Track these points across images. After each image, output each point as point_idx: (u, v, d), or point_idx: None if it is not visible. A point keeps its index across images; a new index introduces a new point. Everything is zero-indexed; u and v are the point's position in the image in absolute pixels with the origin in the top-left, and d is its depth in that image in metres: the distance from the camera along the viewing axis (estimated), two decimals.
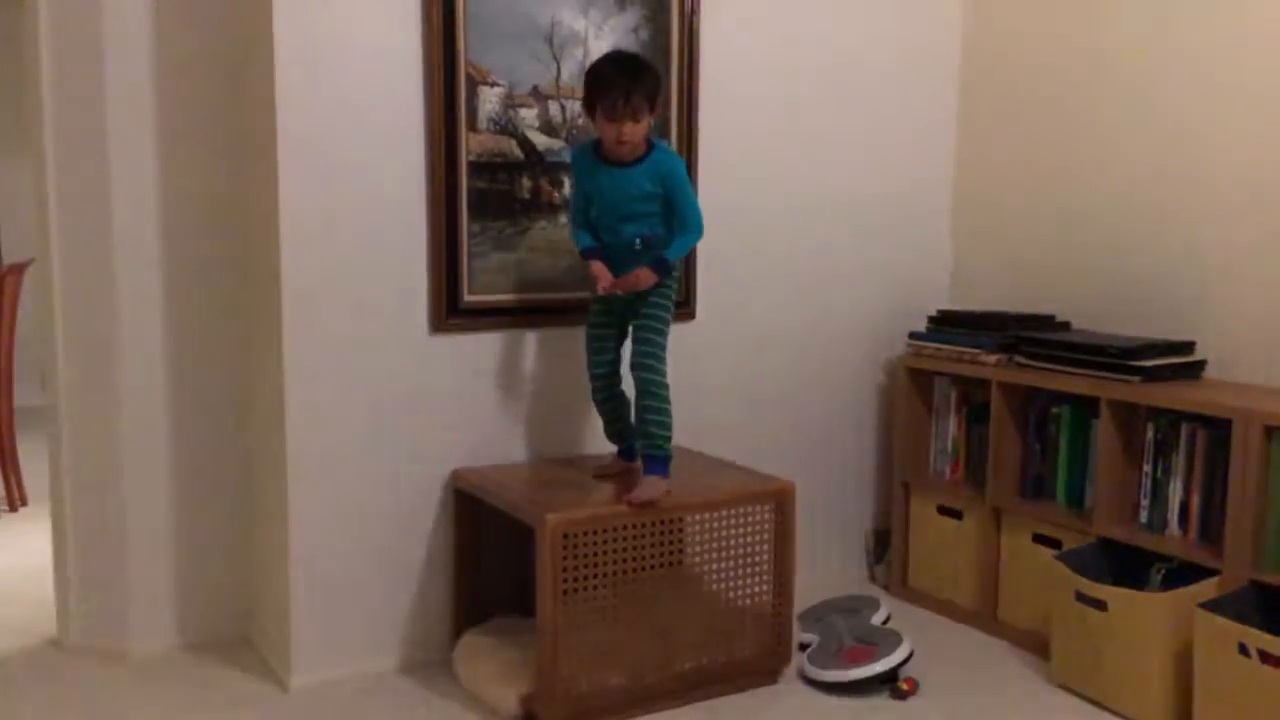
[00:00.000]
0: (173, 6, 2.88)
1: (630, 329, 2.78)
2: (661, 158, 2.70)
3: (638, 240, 2.69)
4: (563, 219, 3.00)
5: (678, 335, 3.02)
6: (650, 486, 2.67)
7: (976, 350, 3.23)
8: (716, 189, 3.21)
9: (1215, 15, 2.95)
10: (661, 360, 2.72)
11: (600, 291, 2.71)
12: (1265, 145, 2.85)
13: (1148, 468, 2.87)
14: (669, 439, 2.72)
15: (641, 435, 2.75)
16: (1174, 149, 3.05)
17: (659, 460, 2.72)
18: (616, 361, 2.84)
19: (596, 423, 3.00)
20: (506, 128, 2.92)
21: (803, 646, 2.97)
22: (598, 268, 2.71)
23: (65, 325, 2.97)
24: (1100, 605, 2.71)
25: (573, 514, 2.57)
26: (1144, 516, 2.88)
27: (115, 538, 3.00)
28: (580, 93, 2.98)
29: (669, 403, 2.72)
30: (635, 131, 2.62)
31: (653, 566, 2.67)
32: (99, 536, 3.01)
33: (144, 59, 2.88)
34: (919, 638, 3.00)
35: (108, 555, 3.01)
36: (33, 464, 4.29)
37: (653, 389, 2.71)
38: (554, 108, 2.97)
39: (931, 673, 2.89)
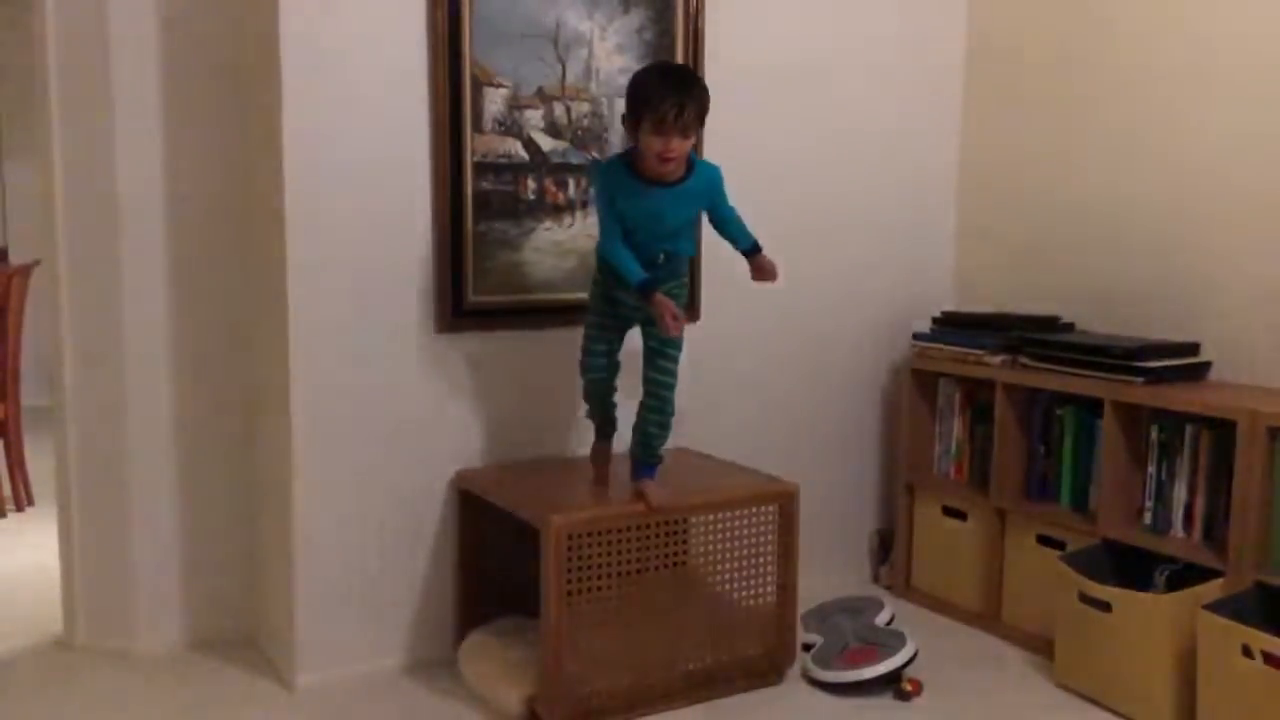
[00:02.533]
0: (178, 9, 2.89)
1: (646, 337, 2.70)
2: (708, 172, 2.62)
3: (662, 255, 2.62)
4: (568, 220, 3.01)
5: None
6: (656, 488, 2.69)
7: (980, 351, 3.23)
8: None
9: (1219, 15, 2.95)
10: (677, 372, 2.70)
11: (674, 334, 2.53)
12: (1271, 145, 2.84)
13: (1152, 469, 2.87)
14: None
15: (642, 444, 2.72)
16: (1179, 150, 3.05)
17: (654, 467, 2.73)
18: (616, 365, 2.81)
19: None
20: (511, 129, 2.92)
21: (806, 647, 2.97)
22: (666, 304, 2.50)
23: (72, 326, 2.98)
24: (1104, 606, 2.71)
25: (577, 515, 2.57)
26: (1148, 518, 2.88)
27: (121, 537, 3.01)
28: (586, 94, 3.00)
29: (674, 414, 2.72)
30: (682, 148, 2.49)
31: (657, 567, 2.68)
32: (105, 536, 3.02)
33: (150, 61, 2.88)
34: (923, 638, 3.00)
35: (114, 555, 3.02)
36: (39, 464, 4.30)
37: (666, 404, 2.68)
38: (559, 109, 2.98)
39: (935, 674, 2.89)
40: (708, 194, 2.63)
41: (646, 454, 2.72)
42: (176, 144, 2.93)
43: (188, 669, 2.94)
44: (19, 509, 4.39)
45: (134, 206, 2.92)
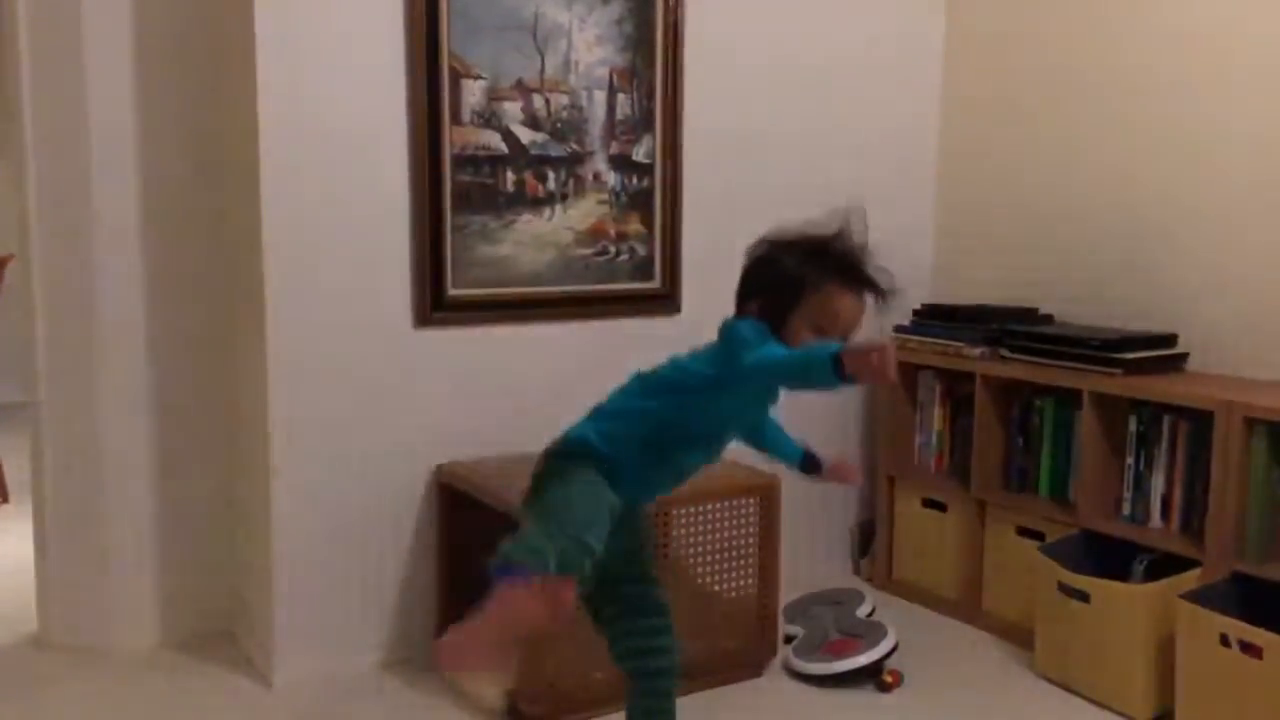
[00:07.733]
0: (153, 4, 2.86)
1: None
2: None
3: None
4: (548, 213, 3.00)
5: (663, 329, 3.03)
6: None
7: (960, 344, 3.24)
8: (700, 184, 3.21)
9: (1198, 10, 2.96)
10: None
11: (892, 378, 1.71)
12: (1247, 138, 2.86)
13: (1130, 460, 2.88)
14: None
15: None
16: (1157, 142, 3.06)
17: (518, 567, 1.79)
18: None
19: (580, 415, 3.00)
20: (490, 121, 2.91)
21: (788, 639, 2.97)
22: (883, 349, 1.68)
23: (46, 321, 2.95)
24: (1083, 597, 2.72)
25: None
26: (1126, 508, 2.89)
27: (97, 534, 2.99)
28: (565, 85, 2.99)
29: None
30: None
31: None
32: (81, 533, 3.00)
33: (125, 56, 2.85)
34: (903, 630, 3.00)
35: (90, 552, 3.00)
36: (15, 461, 4.26)
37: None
38: (538, 101, 2.96)
39: (916, 665, 2.90)
40: None
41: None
42: (152, 139, 2.90)
43: (165, 667, 2.92)
44: None
45: (108, 201, 2.89)
